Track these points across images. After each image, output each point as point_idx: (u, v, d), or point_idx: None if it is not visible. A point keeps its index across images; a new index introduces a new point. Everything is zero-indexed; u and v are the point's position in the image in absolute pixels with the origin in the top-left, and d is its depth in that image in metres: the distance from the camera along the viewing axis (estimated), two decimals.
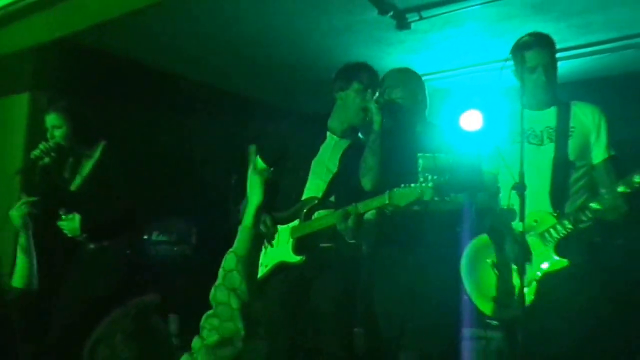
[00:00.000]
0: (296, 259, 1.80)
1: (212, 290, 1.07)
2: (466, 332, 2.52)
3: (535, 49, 1.66)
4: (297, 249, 1.81)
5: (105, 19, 2.55)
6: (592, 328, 1.60)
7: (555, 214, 1.64)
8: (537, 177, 1.63)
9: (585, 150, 1.69)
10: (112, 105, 3.29)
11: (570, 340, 1.60)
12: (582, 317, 1.60)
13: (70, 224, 2.04)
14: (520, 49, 1.68)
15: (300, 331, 2.18)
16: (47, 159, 2.05)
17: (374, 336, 1.91)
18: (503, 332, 2.41)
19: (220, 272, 1.08)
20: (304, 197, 1.88)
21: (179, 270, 3.12)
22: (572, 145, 1.67)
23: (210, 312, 1.04)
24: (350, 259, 1.89)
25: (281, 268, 1.85)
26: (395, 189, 1.60)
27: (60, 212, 2.06)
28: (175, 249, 3.22)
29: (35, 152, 2.04)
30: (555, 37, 1.75)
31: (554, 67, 1.72)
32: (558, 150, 1.67)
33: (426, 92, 1.95)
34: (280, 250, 1.86)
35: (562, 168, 1.66)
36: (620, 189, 1.52)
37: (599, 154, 1.68)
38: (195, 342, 1.02)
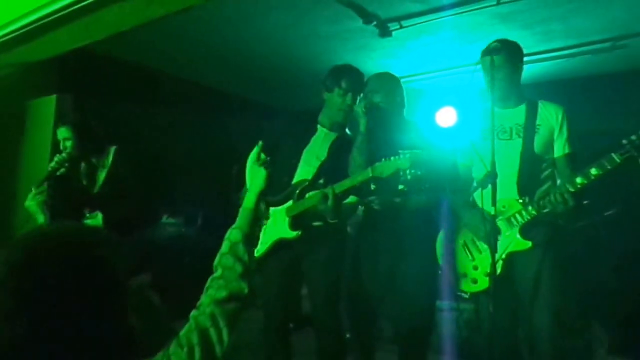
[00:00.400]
0: (293, 234, 1.87)
1: (217, 257, 1.12)
2: (442, 304, 2.65)
3: (487, 56, 1.71)
4: (293, 225, 1.88)
5: (119, 31, 2.62)
6: (549, 301, 1.66)
7: (521, 201, 1.70)
8: (506, 169, 1.69)
9: (549, 145, 1.74)
10: (127, 106, 3.42)
11: (530, 311, 1.67)
12: (540, 291, 1.66)
13: (94, 221, 2.18)
14: (481, 54, 1.75)
15: (292, 302, 2.32)
16: (62, 170, 2.17)
17: (358, 308, 1.99)
18: (473, 304, 2.51)
19: (226, 242, 1.13)
20: (294, 181, 1.94)
21: (186, 248, 3.25)
22: (538, 141, 1.72)
23: (215, 274, 1.09)
24: (337, 237, 1.97)
25: (279, 245, 1.92)
26: (376, 163, 1.69)
27: (85, 212, 2.20)
28: (183, 230, 3.34)
29: (52, 165, 2.16)
30: (520, 44, 1.80)
31: (507, 72, 1.73)
32: (525, 145, 1.72)
33: (404, 93, 2.02)
34: (278, 228, 1.93)
35: (528, 161, 1.72)
36: (579, 179, 1.57)
37: (559, 149, 1.73)
38: (204, 298, 1.06)
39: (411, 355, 1.91)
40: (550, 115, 1.75)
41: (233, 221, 1.21)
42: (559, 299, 1.70)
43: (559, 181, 1.73)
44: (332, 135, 1.98)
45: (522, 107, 1.78)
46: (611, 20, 2.66)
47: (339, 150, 1.94)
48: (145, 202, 2.25)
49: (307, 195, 1.87)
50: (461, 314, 2.66)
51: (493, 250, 1.60)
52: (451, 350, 2.33)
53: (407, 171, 1.68)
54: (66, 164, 2.18)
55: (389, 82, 2.00)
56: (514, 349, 1.79)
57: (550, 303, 1.67)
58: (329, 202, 1.73)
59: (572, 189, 1.58)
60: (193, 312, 1.05)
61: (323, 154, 1.95)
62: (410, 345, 1.91)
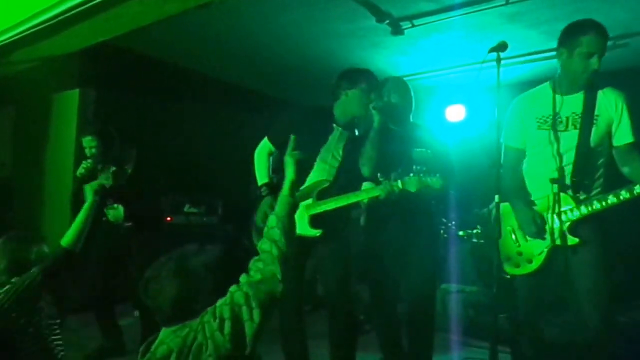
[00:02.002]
0: (313, 232, 1.91)
1: (260, 242, 1.22)
2: (451, 287, 2.78)
3: (597, 36, 1.62)
4: (313, 223, 1.92)
5: (139, 26, 2.62)
6: (585, 297, 1.68)
7: (575, 198, 1.67)
8: (560, 161, 1.68)
9: (606, 136, 1.69)
10: (147, 99, 3.51)
11: (583, 305, 1.69)
12: (590, 285, 1.66)
13: (115, 212, 2.38)
14: (580, 32, 1.64)
15: (306, 286, 2.43)
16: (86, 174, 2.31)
17: (375, 291, 2.11)
18: (480, 286, 2.63)
19: (265, 229, 1.23)
20: (310, 177, 1.98)
21: (207, 236, 3.35)
22: (595, 133, 1.67)
23: (256, 257, 1.18)
24: (347, 227, 2.05)
25: (295, 241, 2.02)
26: (406, 178, 1.76)
27: (107, 202, 2.38)
28: (204, 219, 3.46)
29: (80, 171, 2.32)
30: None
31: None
32: (582, 137, 1.67)
33: (413, 97, 2.12)
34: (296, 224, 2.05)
35: (584, 154, 1.67)
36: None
37: (621, 138, 1.68)
38: (242, 277, 1.14)
39: (418, 335, 2.03)
40: (610, 105, 1.69)
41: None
42: (608, 293, 1.69)
43: (623, 169, 1.68)
44: (346, 135, 2.05)
45: (581, 93, 1.70)
46: (613, 20, 2.73)
47: (353, 150, 2.01)
48: (156, 201, 2.47)
49: (344, 196, 1.91)
50: (467, 296, 2.78)
51: (497, 235, 1.67)
52: (458, 328, 2.47)
53: (413, 167, 1.77)
54: (91, 170, 2.34)
55: (403, 86, 2.12)
56: (538, 334, 1.86)
57: (602, 297, 1.67)
58: (395, 196, 1.80)
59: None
60: (232, 287, 1.13)
61: (338, 154, 2.02)
62: (417, 325, 2.03)
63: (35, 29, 2.82)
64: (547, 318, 2.09)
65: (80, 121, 3.17)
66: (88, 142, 2.40)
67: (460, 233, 3.16)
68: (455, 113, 3.62)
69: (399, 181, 1.79)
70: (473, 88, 3.39)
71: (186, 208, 3.47)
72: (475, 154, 2.18)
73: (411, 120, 2.14)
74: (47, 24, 2.78)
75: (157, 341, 1.11)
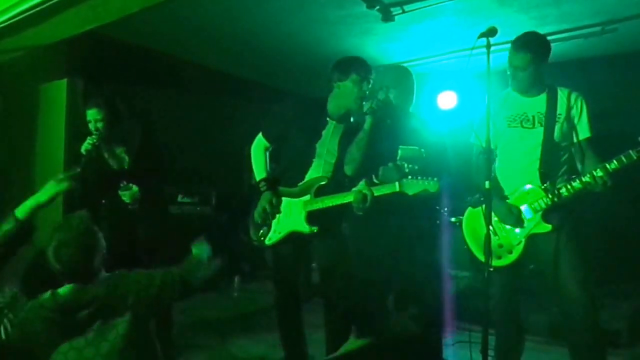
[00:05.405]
0: (308, 229, 1.94)
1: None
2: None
3: (518, 54, 1.82)
4: (310, 220, 1.95)
5: (126, 14, 2.58)
6: (565, 277, 1.79)
7: (544, 188, 1.82)
8: (529, 156, 1.84)
9: (569, 132, 1.85)
10: (136, 89, 3.48)
11: (561, 285, 1.80)
12: (566, 267, 1.78)
13: (131, 193, 2.24)
14: (511, 49, 1.85)
15: (303, 278, 2.46)
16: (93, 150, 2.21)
17: (366, 284, 2.10)
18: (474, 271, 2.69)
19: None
20: (308, 174, 2.01)
21: (201, 226, 3.38)
22: (558, 129, 1.83)
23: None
24: (344, 221, 2.08)
25: (293, 236, 2.00)
26: (404, 180, 1.79)
27: (121, 183, 2.25)
28: (198, 209, 3.49)
29: (86, 147, 2.19)
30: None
31: (537, 65, 1.82)
32: (546, 133, 1.82)
33: (415, 89, 2.10)
34: (293, 220, 1.99)
35: (549, 148, 1.83)
36: (612, 165, 1.69)
37: (581, 133, 1.85)
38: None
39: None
40: (569, 103, 1.85)
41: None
42: (583, 272, 1.80)
43: (579, 165, 1.86)
44: (340, 128, 2.02)
45: (544, 95, 1.87)
46: (601, 5, 2.80)
47: (349, 144, 2.00)
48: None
49: (343, 194, 1.93)
50: (459, 282, 2.87)
51: (488, 222, 1.71)
52: (451, 313, 2.54)
53: (405, 165, 1.81)
54: (97, 146, 2.23)
55: (405, 79, 2.08)
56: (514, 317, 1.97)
57: (578, 276, 1.78)
58: (368, 204, 1.84)
59: (601, 173, 1.70)
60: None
61: (334, 149, 2.01)
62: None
63: (20, 17, 2.78)
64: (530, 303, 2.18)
65: (69, 110, 3.13)
66: (93, 114, 2.23)
67: (453, 219, 3.21)
68: (447, 100, 3.65)
69: (396, 183, 1.81)
70: (465, 74, 3.41)
71: (179, 198, 3.48)
72: (467, 140, 2.20)
73: (409, 112, 2.12)
74: (31, 12, 2.74)
75: (106, 285, 1.34)
